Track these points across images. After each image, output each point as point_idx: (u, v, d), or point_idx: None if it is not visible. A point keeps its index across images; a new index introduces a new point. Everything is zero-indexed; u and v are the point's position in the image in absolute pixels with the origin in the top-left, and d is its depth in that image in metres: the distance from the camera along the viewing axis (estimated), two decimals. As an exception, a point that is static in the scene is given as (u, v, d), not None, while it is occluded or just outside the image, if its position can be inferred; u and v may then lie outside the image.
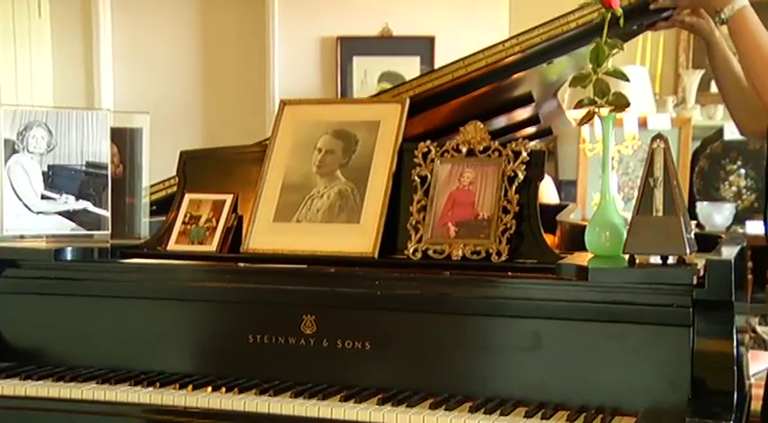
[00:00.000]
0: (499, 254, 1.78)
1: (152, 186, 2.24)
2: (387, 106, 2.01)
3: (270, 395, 1.69)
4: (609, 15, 1.72)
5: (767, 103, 1.84)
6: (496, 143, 1.87)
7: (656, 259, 1.61)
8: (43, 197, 2.11)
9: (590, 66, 1.71)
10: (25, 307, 1.99)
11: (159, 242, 2.07)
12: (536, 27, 1.97)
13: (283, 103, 2.09)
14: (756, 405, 1.76)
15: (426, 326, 1.73)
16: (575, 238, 1.86)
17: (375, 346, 1.74)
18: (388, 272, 1.80)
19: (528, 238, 1.80)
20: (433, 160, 1.90)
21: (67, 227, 2.12)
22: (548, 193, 3.74)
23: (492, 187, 1.84)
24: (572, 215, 2.35)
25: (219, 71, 4.98)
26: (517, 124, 2.32)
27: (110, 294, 1.94)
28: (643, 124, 4.05)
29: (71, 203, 2.12)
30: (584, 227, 1.74)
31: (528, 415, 1.57)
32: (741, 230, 4.25)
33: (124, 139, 2.19)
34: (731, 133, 4.27)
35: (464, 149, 1.89)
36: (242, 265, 1.98)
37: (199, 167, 2.12)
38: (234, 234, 2.02)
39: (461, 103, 2.09)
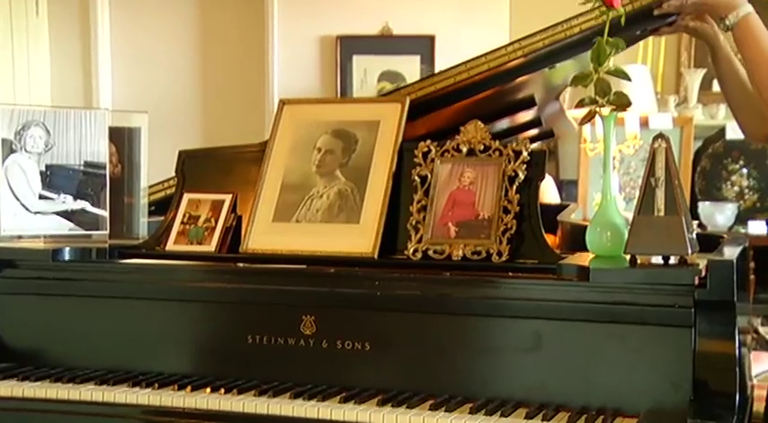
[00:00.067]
0: (500, 254, 1.77)
1: (151, 187, 2.24)
2: (387, 106, 2.00)
3: (269, 396, 1.69)
4: (610, 14, 1.71)
5: None
6: (497, 143, 1.86)
7: (657, 259, 1.61)
8: (41, 197, 2.10)
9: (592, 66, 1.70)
10: (23, 307, 1.99)
11: (158, 242, 2.07)
12: (539, 32, 1.97)
13: (282, 103, 2.08)
14: (759, 406, 1.75)
15: (426, 326, 1.73)
16: (576, 239, 1.86)
17: (375, 346, 1.73)
18: (387, 272, 1.79)
19: (529, 239, 1.79)
20: (433, 160, 1.89)
21: (65, 227, 2.11)
22: (548, 192, 3.73)
23: (492, 187, 1.83)
24: (573, 215, 2.34)
25: (218, 70, 4.97)
26: (519, 127, 2.32)
27: (108, 295, 1.94)
28: (644, 124, 4.04)
29: (69, 203, 2.11)
30: (585, 227, 1.73)
31: (529, 416, 1.57)
32: (743, 230, 4.25)
33: (122, 139, 2.18)
34: (733, 133, 4.25)
35: (464, 149, 1.88)
36: (241, 265, 1.97)
37: (198, 167, 2.12)
38: (233, 234, 2.01)
39: (463, 107, 2.08)
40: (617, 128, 1.88)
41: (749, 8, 1.91)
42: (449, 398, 1.65)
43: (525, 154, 1.83)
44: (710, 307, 1.54)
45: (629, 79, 1.71)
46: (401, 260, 1.85)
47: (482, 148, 1.87)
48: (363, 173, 1.93)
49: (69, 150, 2.12)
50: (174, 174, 2.15)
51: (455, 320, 1.70)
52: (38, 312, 1.98)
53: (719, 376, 1.51)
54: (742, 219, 4.38)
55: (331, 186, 1.94)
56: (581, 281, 1.60)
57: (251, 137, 2.34)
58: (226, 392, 1.72)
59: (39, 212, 2.10)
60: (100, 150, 2.13)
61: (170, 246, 2.03)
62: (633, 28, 1.91)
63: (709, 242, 1.81)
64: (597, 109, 1.70)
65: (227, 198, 2.04)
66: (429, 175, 1.88)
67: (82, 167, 2.12)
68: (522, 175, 1.81)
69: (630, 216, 1.62)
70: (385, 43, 4.75)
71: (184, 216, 2.05)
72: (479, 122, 1.89)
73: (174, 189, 2.15)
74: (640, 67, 4.12)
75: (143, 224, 2.17)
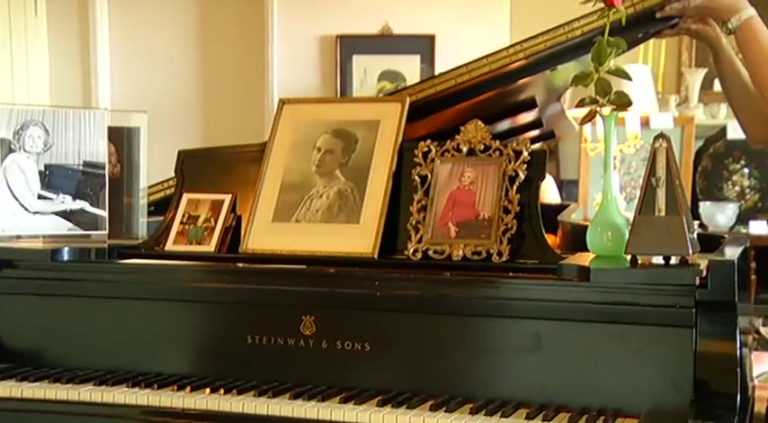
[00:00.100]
0: (500, 254, 1.77)
1: (150, 187, 2.23)
2: (386, 105, 2.00)
3: (269, 397, 1.69)
4: (611, 14, 1.71)
5: None
6: (497, 142, 1.86)
7: (658, 260, 1.60)
8: (40, 197, 2.09)
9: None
10: (22, 308, 1.98)
11: (157, 242, 2.06)
12: (540, 34, 1.97)
13: (282, 102, 2.08)
14: (760, 407, 1.75)
15: (426, 327, 1.72)
16: (576, 239, 1.85)
17: (375, 347, 1.73)
18: (387, 272, 1.79)
19: (529, 239, 1.79)
20: (433, 160, 1.88)
21: (64, 227, 2.11)
22: (549, 192, 3.73)
23: (493, 187, 1.82)
24: (573, 215, 2.34)
25: (218, 70, 4.96)
26: (520, 128, 2.32)
27: (107, 295, 1.93)
28: (645, 123, 4.04)
29: (68, 203, 2.11)
30: (586, 227, 1.73)
31: (529, 417, 1.56)
32: (744, 230, 4.24)
33: (122, 139, 2.18)
34: (734, 132, 4.25)
35: (464, 149, 1.87)
36: (240, 265, 1.97)
37: (197, 167, 2.12)
38: (232, 234, 2.01)
39: (464, 108, 2.08)
40: (618, 127, 1.88)
41: (752, 11, 1.92)
42: (449, 398, 1.64)
43: (526, 154, 1.82)
44: (711, 307, 1.53)
45: (630, 79, 1.70)
46: (401, 260, 1.84)
47: (482, 147, 1.86)
48: (363, 173, 1.92)
49: (68, 150, 2.11)
50: (173, 174, 2.15)
51: (455, 321, 1.70)
52: (37, 313, 1.98)
53: (720, 377, 1.51)
54: (743, 219, 4.37)
55: (331, 186, 1.94)
56: (582, 281, 1.60)
57: (250, 136, 2.34)
58: (225, 393, 1.72)
59: (37, 212, 2.09)
60: (99, 150, 2.13)
61: (169, 246, 2.03)
62: (635, 30, 1.92)
63: (710, 242, 1.81)
64: (598, 109, 1.70)
65: (227, 198, 2.03)
66: (429, 175, 1.87)
67: (81, 167, 2.12)
68: (522, 175, 1.81)
69: (631, 216, 1.62)
70: (385, 43, 4.74)
71: (184, 216, 2.04)
72: (479, 122, 1.88)
73: (173, 189, 2.15)
74: (641, 67, 4.11)
75: (142, 224, 2.17)
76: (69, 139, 2.11)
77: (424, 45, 4.69)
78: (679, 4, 1.95)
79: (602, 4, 1.71)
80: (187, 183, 2.10)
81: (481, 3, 4.68)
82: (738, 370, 1.51)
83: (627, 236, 1.62)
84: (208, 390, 1.74)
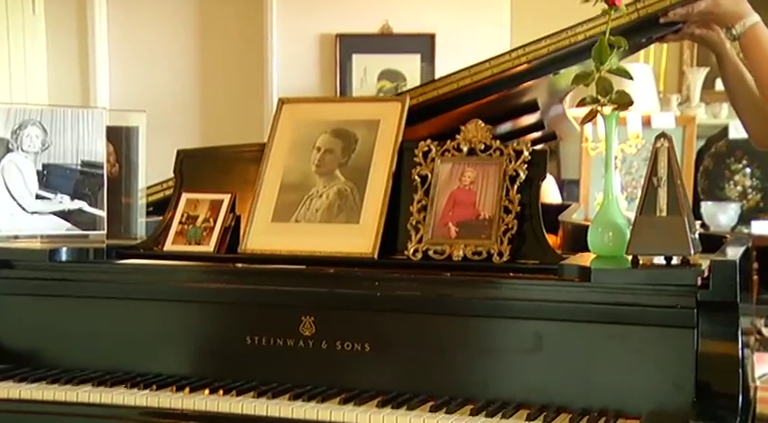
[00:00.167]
0: (501, 254, 1.76)
1: (149, 188, 2.22)
2: (386, 105, 1.99)
3: (268, 398, 1.68)
4: (612, 12, 1.70)
5: None
6: (498, 142, 1.85)
7: (659, 260, 1.60)
8: (38, 197, 2.09)
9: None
10: (20, 308, 1.98)
11: (156, 242, 2.06)
12: (543, 38, 1.97)
13: (282, 102, 2.07)
14: (762, 408, 1.74)
15: (427, 327, 1.72)
16: (577, 239, 1.85)
17: (375, 347, 1.72)
18: (387, 273, 1.78)
19: (530, 239, 1.78)
20: (433, 159, 1.88)
21: (62, 227, 2.10)
22: (550, 192, 3.72)
23: (493, 187, 1.82)
24: (574, 215, 2.33)
25: (217, 69, 4.96)
26: (521, 130, 2.31)
27: (105, 295, 1.93)
28: (647, 123, 4.03)
29: (66, 203, 2.10)
30: (587, 227, 1.72)
31: (530, 418, 1.56)
32: (746, 231, 4.23)
33: (120, 138, 2.17)
34: (736, 132, 4.24)
35: (465, 148, 1.87)
36: (240, 265, 1.97)
37: (196, 166, 2.11)
38: (232, 234, 2.00)
39: (465, 111, 2.07)
40: (619, 127, 1.87)
41: (756, 17, 1.94)
42: (449, 399, 1.64)
43: (526, 153, 1.82)
44: (713, 308, 1.53)
45: (631, 78, 1.70)
46: (401, 260, 1.84)
47: (483, 147, 1.86)
48: (363, 172, 1.91)
49: (66, 150, 2.11)
50: (172, 174, 2.14)
51: (455, 321, 1.69)
52: (35, 313, 1.97)
53: (722, 378, 1.51)
54: (745, 219, 4.36)
55: (330, 186, 1.93)
56: (582, 281, 1.59)
57: (250, 136, 2.34)
58: (224, 394, 1.71)
59: (35, 212, 2.08)
60: (97, 150, 2.12)
61: (168, 246, 2.02)
62: (639, 35, 1.92)
63: (712, 242, 1.80)
64: (599, 108, 1.69)
65: (226, 198, 2.02)
66: (429, 175, 1.87)
67: (79, 167, 2.11)
68: (523, 175, 1.80)
69: (632, 216, 1.61)
70: (385, 42, 4.73)
71: (183, 216, 2.04)
72: (480, 121, 1.88)
73: (172, 190, 2.14)
74: (643, 66, 4.11)
75: (141, 224, 2.16)
76: (67, 138, 2.11)
77: (424, 44, 4.68)
78: (683, 10, 1.95)
79: (603, 4, 1.71)
80: (186, 182, 2.10)
81: (481, 1, 4.67)
82: (740, 371, 1.50)
83: (628, 236, 1.61)
84: (207, 390, 1.74)
